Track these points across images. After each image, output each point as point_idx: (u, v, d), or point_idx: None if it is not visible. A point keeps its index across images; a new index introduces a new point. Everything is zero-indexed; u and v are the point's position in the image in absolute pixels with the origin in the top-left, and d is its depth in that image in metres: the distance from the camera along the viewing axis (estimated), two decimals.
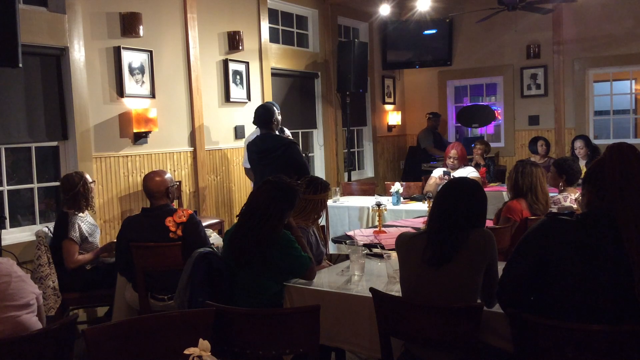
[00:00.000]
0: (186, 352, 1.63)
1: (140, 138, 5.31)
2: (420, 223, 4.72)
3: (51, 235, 4.17)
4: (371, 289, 2.48)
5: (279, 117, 5.21)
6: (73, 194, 4.06)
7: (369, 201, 5.82)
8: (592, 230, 2.00)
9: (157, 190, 3.76)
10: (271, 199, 3.00)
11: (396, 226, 4.77)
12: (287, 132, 5.83)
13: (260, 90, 6.82)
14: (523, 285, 2.13)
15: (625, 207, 1.94)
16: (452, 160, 6.00)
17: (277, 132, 5.24)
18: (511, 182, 4.21)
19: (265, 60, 6.86)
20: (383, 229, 4.59)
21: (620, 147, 2.02)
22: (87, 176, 4.19)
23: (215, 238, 4.23)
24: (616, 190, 1.97)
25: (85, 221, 4.11)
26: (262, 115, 5.11)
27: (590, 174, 2.10)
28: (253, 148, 5.10)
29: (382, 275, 3.09)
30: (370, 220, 5.64)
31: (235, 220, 3.16)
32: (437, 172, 6.18)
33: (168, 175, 3.86)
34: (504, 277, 2.19)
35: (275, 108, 5.18)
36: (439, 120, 9.26)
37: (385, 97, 9.52)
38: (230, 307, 2.54)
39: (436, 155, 8.75)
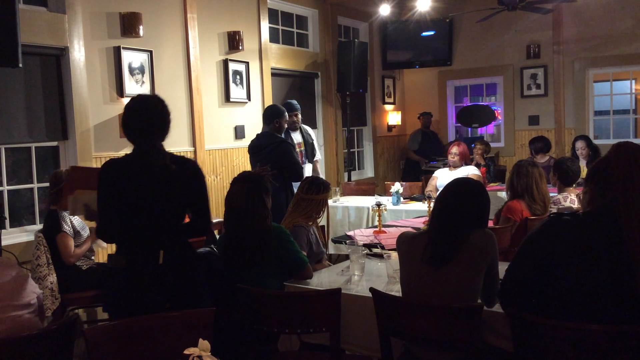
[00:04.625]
0: (186, 352, 1.63)
1: None
2: (420, 223, 4.72)
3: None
4: (371, 289, 2.48)
5: (284, 123, 5.36)
6: (58, 189, 4.08)
7: (369, 201, 5.82)
8: (594, 230, 1.99)
9: None
10: (247, 193, 3.04)
11: (396, 226, 4.77)
12: (311, 131, 6.13)
13: (260, 90, 6.82)
14: (525, 285, 2.12)
15: (628, 206, 1.94)
16: (453, 156, 6.01)
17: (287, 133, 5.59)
18: (508, 183, 4.24)
19: (265, 60, 6.86)
20: (383, 229, 4.59)
21: (626, 146, 2.02)
22: None
23: None
24: (619, 189, 1.96)
25: (74, 217, 4.14)
26: (265, 113, 5.42)
27: (594, 171, 2.10)
28: (250, 144, 5.38)
29: (382, 275, 3.09)
30: (370, 220, 5.64)
31: None
32: (439, 172, 6.19)
33: None
34: (506, 277, 2.18)
35: (281, 111, 5.34)
36: (430, 119, 9.28)
37: (385, 97, 9.52)
38: (259, 289, 2.73)
39: (423, 160, 8.85)
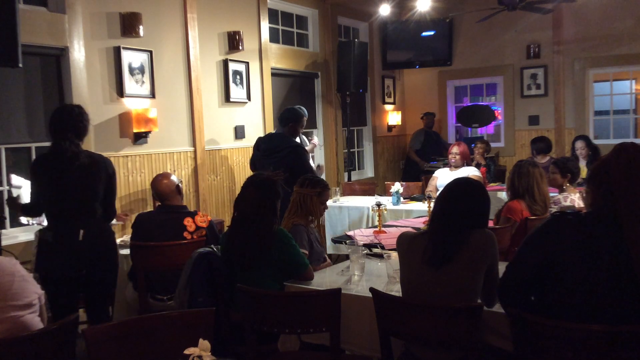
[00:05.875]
0: (186, 352, 1.63)
1: (140, 138, 5.31)
2: (420, 223, 4.72)
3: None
4: (371, 289, 2.48)
5: (299, 128, 5.37)
6: None
7: (369, 201, 5.82)
8: (595, 230, 1.99)
9: (170, 191, 3.90)
10: (259, 198, 3.04)
11: (396, 226, 4.77)
12: (306, 140, 6.01)
13: (260, 90, 6.82)
14: (526, 284, 2.12)
15: (629, 207, 1.94)
16: (453, 156, 6.03)
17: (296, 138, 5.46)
18: (509, 183, 4.24)
19: (265, 60, 6.86)
20: (383, 229, 4.59)
21: (626, 147, 2.02)
22: None
23: None
24: (621, 190, 1.96)
25: None
26: (282, 115, 5.42)
27: (595, 172, 2.09)
28: (260, 145, 5.34)
29: (382, 275, 3.09)
30: (370, 220, 5.64)
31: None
32: (439, 172, 6.20)
33: (173, 176, 3.99)
34: (507, 276, 2.18)
35: (299, 116, 5.35)
36: (433, 119, 9.28)
37: (385, 97, 9.52)
38: (259, 290, 2.76)
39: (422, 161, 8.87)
